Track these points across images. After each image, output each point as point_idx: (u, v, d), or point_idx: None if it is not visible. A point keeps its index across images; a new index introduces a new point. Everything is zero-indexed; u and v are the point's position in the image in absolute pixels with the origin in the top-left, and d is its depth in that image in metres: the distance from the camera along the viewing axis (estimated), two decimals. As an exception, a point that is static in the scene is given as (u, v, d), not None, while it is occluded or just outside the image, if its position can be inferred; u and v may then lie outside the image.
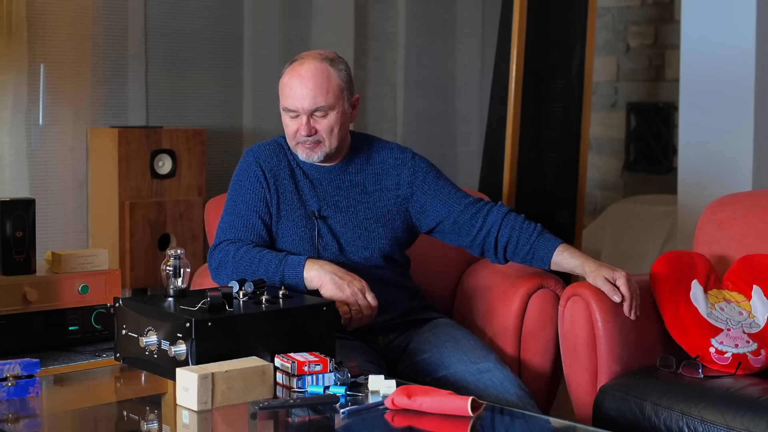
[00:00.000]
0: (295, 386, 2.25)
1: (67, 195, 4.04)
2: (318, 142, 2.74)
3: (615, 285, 2.72)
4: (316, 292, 2.60)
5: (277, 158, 2.82)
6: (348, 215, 2.80)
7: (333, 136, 2.74)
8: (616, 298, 2.72)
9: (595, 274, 2.72)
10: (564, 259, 2.77)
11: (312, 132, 2.72)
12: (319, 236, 2.76)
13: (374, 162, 2.86)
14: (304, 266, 2.61)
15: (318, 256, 2.73)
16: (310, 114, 2.72)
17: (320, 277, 2.60)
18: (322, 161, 2.79)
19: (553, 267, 2.80)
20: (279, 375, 2.29)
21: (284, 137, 2.85)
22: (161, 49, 4.28)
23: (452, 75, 5.34)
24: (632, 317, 2.74)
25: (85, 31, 4.05)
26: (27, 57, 3.86)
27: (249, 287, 2.48)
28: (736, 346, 2.75)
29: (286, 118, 2.77)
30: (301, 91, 2.71)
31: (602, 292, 2.73)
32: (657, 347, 2.83)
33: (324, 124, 2.73)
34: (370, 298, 2.62)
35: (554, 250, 2.77)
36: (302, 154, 2.77)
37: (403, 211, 2.86)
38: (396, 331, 2.83)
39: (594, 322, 2.76)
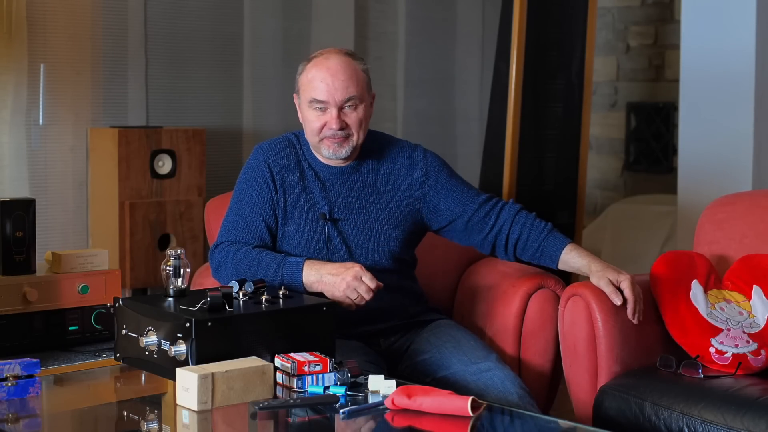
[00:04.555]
0: (295, 386, 2.25)
1: (67, 195, 4.04)
2: (347, 137, 2.70)
3: (618, 288, 2.71)
4: (318, 293, 2.59)
5: (287, 158, 2.77)
6: (359, 217, 2.76)
7: (361, 130, 2.71)
8: (617, 301, 2.71)
9: (600, 274, 2.72)
10: (572, 258, 2.77)
11: (343, 126, 2.69)
12: (328, 240, 2.72)
13: (386, 161, 2.81)
14: (302, 270, 2.59)
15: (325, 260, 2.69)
16: (341, 107, 2.68)
17: (319, 281, 2.58)
18: (343, 159, 2.74)
19: (560, 266, 2.79)
20: (279, 375, 2.29)
21: (295, 134, 2.82)
22: (161, 49, 4.28)
23: (452, 75, 5.34)
24: (635, 321, 2.74)
25: (85, 31, 4.05)
26: (27, 57, 3.86)
27: (249, 287, 2.48)
28: (736, 346, 2.75)
29: (310, 114, 2.70)
30: (333, 82, 2.67)
31: (603, 292, 2.72)
32: (657, 347, 2.83)
33: (353, 118, 2.69)
34: (368, 279, 2.54)
35: (563, 249, 2.77)
36: (328, 149, 2.70)
37: (415, 211, 2.82)
38: (397, 334, 2.82)
39: (594, 322, 2.75)
